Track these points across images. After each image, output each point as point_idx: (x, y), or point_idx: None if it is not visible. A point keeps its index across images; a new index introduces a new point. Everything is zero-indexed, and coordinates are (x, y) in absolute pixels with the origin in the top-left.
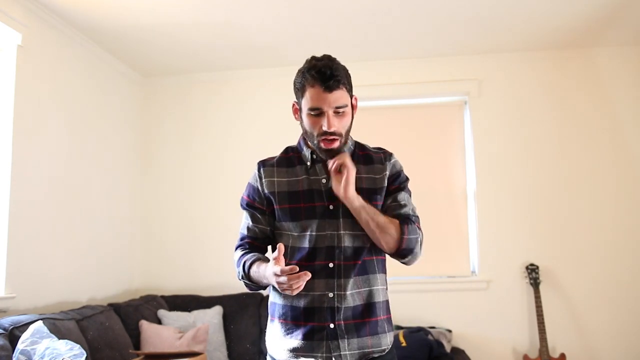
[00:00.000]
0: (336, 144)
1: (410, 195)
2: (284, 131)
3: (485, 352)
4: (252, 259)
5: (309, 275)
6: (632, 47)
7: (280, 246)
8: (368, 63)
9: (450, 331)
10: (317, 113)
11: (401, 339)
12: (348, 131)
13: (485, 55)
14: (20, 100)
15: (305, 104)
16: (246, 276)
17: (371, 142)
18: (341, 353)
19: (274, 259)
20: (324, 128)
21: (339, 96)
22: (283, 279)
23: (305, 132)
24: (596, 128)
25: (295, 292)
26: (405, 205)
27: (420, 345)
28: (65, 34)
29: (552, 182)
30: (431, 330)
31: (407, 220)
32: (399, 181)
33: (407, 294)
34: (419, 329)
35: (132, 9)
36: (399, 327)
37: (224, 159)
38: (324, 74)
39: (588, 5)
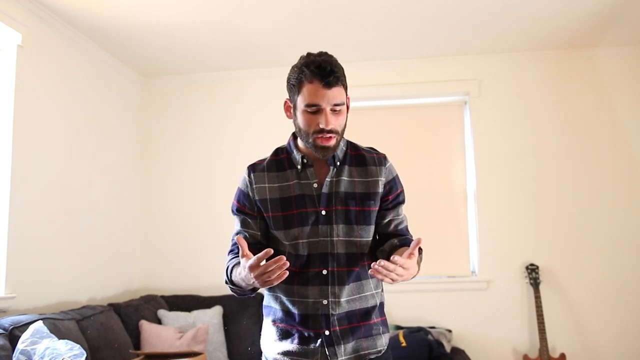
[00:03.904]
0: (333, 142)
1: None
2: (283, 131)
3: (485, 352)
4: (234, 262)
5: (283, 260)
6: (632, 47)
7: (269, 251)
8: (368, 63)
9: (450, 331)
10: (315, 110)
11: (401, 339)
12: (344, 129)
13: (485, 55)
14: (20, 100)
15: (302, 100)
16: (229, 280)
17: (371, 143)
18: (338, 359)
19: (242, 255)
20: (322, 125)
21: (337, 93)
22: (261, 269)
23: (298, 130)
24: (597, 128)
25: (277, 282)
26: (405, 219)
27: (420, 345)
28: (65, 34)
29: (552, 182)
30: (431, 330)
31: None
32: (396, 189)
33: (407, 294)
34: (419, 329)
35: (132, 9)
36: (399, 327)
37: (224, 158)
38: (323, 69)
39: (588, 6)
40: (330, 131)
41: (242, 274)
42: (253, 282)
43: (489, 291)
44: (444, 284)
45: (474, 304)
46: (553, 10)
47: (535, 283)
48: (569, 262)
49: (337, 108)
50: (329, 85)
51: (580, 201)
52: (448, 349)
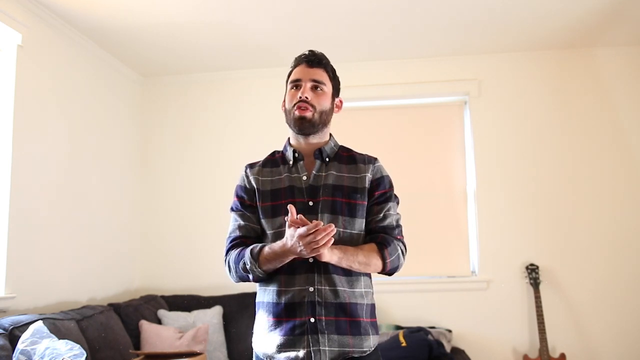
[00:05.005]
0: (308, 113)
1: (397, 202)
2: (283, 131)
3: (485, 352)
4: (260, 245)
5: (333, 228)
6: (632, 47)
7: (291, 207)
8: (368, 63)
9: (450, 331)
10: (296, 85)
11: (401, 339)
12: (324, 113)
13: (485, 55)
14: (20, 101)
15: (289, 83)
16: (255, 261)
17: (371, 143)
18: (320, 348)
19: (290, 222)
20: (299, 95)
21: (318, 73)
22: (310, 237)
23: (286, 115)
24: (597, 128)
25: (323, 249)
26: (388, 217)
27: (420, 345)
28: (65, 34)
29: (552, 182)
30: (431, 330)
31: (385, 241)
32: (383, 187)
33: (407, 294)
34: (419, 329)
35: (132, 9)
36: (399, 327)
37: (224, 158)
38: (307, 55)
39: (588, 6)
40: (306, 101)
41: (285, 242)
42: (300, 250)
43: (489, 291)
44: (444, 284)
45: (474, 304)
46: (553, 10)
47: (535, 283)
48: (569, 262)
49: (318, 85)
50: (310, 63)
51: (580, 201)
52: (448, 349)
